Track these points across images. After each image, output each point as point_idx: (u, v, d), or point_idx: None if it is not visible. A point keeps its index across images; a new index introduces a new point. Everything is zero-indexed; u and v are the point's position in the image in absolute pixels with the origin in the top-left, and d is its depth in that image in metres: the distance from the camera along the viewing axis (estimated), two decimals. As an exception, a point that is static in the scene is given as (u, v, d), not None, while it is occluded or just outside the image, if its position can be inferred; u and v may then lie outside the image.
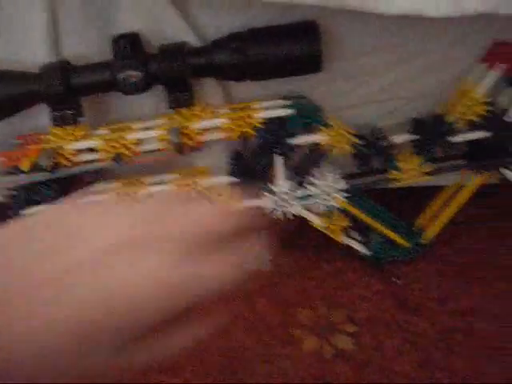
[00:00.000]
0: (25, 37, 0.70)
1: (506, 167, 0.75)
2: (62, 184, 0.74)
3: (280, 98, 0.73)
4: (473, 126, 0.72)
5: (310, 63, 0.68)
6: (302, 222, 0.75)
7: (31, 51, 0.71)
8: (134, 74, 0.68)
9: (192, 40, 0.70)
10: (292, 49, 0.67)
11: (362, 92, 0.75)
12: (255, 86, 0.73)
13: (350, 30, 0.70)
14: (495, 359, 0.67)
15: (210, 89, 0.73)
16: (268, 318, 0.74)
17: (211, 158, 0.76)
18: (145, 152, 0.72)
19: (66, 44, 0.71)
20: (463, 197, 0.77)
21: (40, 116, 0.74)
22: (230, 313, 0.33)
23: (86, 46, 0.72)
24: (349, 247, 0.78)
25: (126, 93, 0.69)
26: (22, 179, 0.72)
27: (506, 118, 0.72)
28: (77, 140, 0.71)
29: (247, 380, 0.67)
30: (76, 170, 0.72)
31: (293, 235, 0.81)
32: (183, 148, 0.70)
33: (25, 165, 0.69)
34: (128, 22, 0.69)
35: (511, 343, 0.69)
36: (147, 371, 0.68)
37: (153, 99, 0.74)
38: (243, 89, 0.74)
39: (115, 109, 0.75)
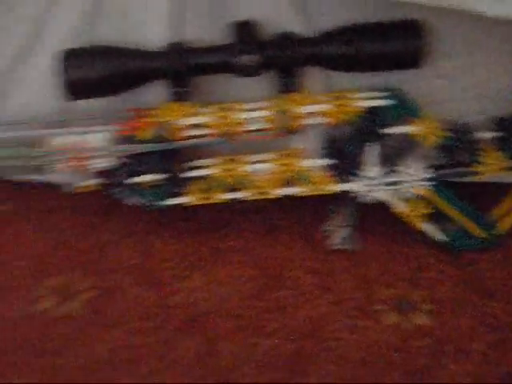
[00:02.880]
0: (149, 19, 0.77)
1: None
2: (168, 156, 0.81)
3: (376, 90, 0.79)
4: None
5: (412, 59, 0.74)
6: (384, 207, 0.81)
7: (154, 32, 0.77)
8: (250, 59, 0.74)
9: (302, 30, 0.76)
10: (397, 44, 0.73)
11: (452, 89, 0.80)
12: (354, 77, 0.79)
13: (450, 30, 0.75)
14: None
15: (313, 77, 0.79)
16: (352, 293, 0.80)
17: (306, 142, 0.82)
18: (249, 131, 0.78)
19: (187, 27, 0.77)
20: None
21: (146, 92, 0.81)
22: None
23: (205, 30, 0.78)
24: (427, 234, 0.83)
25: (241, 75, 0.75)
26: (135, 149, 0.78)
27: None
28: (188, 116, 0.77)
29: (334, 347, 0.73)
30: (186, 143, 0.78)
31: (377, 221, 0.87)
32: (287, 130, 0.76)
33: (144, 135, 0.75)
34: (246, 10, 0.75)
35: None
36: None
37: (259, 83, 0.80)
38: (342, 79, 0.80)
39: (221, 90, 0.82)
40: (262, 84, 0.80)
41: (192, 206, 0.83)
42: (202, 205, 0.83)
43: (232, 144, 0.81)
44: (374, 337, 0.75)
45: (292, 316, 0.77)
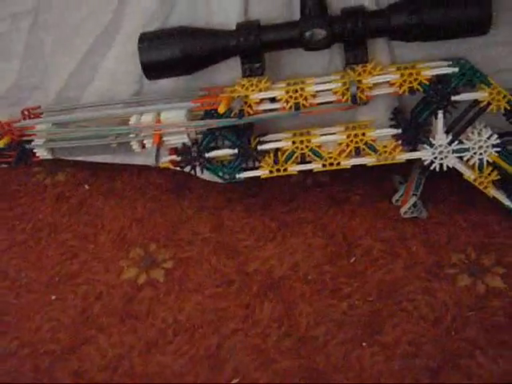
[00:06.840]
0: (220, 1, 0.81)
1: None
2: (241, 131, 0.84)
3: (441, 60, 0.81)
4: None
5: (479, 26, 0.76)
6: (452, 175, 0.83)
7: (225, 13, 0.82)
8: (320, 32, 0.77)
9: (368, 3, 0.79)
10: (464, 12, 0.75)
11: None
12: (416, 48, 0.81)
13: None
14: None
15: (378, 49, 0.82)
16: (423, 258, 0.82)
17: (373, 113, 0.85)
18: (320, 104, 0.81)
19: (254, 7, 0.81)
20: None
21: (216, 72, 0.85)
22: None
23: (270, 9, 0.82)
24: (494, 200, 0.84)
25: (310, 49, 0.78)
26: (210, 124, 0.82)
27: None
28: (261, 90, 0.81)
29: (409, 307, 0.76)
30: (259, 117, 0.82)
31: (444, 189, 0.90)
32: (358, 100, 0.79)
33: (222, 109, 0.79)
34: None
35: None
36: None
37: (324, 57, 0.84)
38: (405, 50, 0.82)
39: (288, 65, 0.85)
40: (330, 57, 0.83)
41: (257, 183, 0.87)
42: (267, 182, 0.87)
43: (302, 118, 0.84)
44: (447, 298, 0.77)
45: (366, 280, 0.80)
